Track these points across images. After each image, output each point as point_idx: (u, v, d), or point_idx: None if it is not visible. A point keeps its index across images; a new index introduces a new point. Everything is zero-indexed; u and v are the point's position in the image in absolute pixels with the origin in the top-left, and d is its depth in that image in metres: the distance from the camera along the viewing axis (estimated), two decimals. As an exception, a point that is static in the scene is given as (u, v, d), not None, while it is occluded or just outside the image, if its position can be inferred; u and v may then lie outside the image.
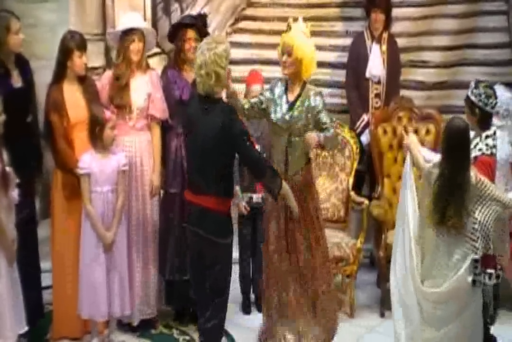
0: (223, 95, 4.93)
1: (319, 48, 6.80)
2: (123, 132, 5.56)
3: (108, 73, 5.74)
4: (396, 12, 6.79)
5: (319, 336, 5.23)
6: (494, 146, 4.89)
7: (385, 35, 6.69)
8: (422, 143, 6.29)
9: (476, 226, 4.58)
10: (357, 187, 6.57)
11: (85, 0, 6.65)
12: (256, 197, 5.92)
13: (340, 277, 6.30)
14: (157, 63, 6.38)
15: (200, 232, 4.76)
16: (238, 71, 6.34)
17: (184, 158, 5.55)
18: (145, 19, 6.38)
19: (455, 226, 4.58)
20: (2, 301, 4.65)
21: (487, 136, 4.91)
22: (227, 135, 4.64)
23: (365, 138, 6.64)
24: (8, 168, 4.66)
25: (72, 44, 5.41)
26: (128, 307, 5.47)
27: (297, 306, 5.15)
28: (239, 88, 6.00)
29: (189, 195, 4.84)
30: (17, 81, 5.37)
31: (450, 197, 4.58)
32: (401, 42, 6.83)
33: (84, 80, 5.53)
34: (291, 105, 5.08)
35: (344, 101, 6.87)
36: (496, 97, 4.95)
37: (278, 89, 5.14)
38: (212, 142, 4.66)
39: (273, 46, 5.33)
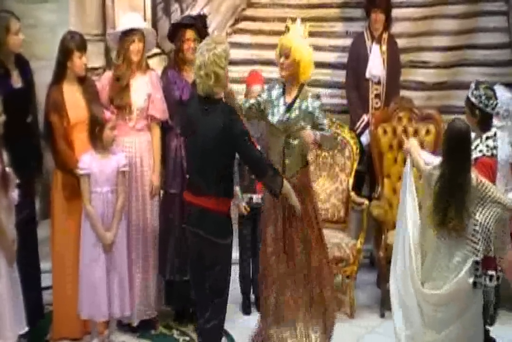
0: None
1: (319, 48, 6.83)
2: (123, 132, 5.56)
3: (108, 74, 5.74)
4: (396, 12, 6.79)
5: (318, 335, 5.22)
6: (495, 147, 4.89)
7: (385, 35, 6.69)
8: (422, 145, 6.32)
9: (477, 228, 4.57)
10: (357, 187, 6.57)
11: (85, 1, 6.65)
12: (256, 197, 5.92)
13: (340, 277, 6.30)
14: (157, 64, 6.38)
15: (200, 233, 4.76)
16: (238, 71, 6.36)
17: (184, 159, 5.55)
18: (145, 20, 6.38)
19: (456, 229, 4.58)
20: (2, 301, 4.65)
21: (487, 138, 4.91)
22: (227, 136, 4.64)
23: (365, 138, 6.64)
24: (8, 169, 4.66)
25: (72, 44, 5.41)
26: (128, 307, 5.47)
27: (295, 307, 5.15)
28: (239, 88, 6.04)
29: (189, 196, 4.84)
30: (17, 82, 5.38)
31: (450, 198, 4.57)
32: (401, 42, 6.83)
33: (84, 81, 5.53)
34: (289, 107, 5.08)
35: (344, 101, 6.87)
36: (496, 98, 4.95)
37: (276, 91, 5.15)
38: (213, 143, 4.66)
39: (273, 46, 5.32)
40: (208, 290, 4.81)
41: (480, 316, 4.75)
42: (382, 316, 6.04)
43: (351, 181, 6.40)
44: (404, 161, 5.22)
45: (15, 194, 4.74)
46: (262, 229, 5.26)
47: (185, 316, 5.91)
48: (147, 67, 5.71)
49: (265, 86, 5.33)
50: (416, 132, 6.48)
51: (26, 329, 4.89)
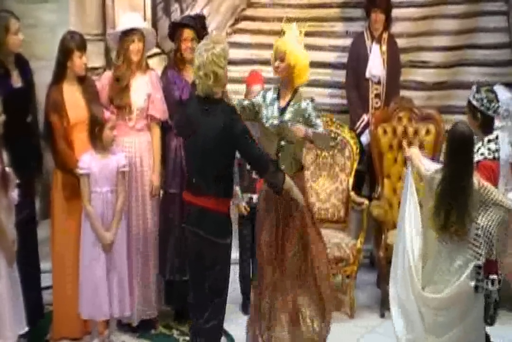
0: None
1: (319, 48, 6.85)
2: (123, 133, 5.56)
3: (108, 74, 5.74)
4: (396, 12, 6.79)
5: (317, 334, 5.20)
6: (497, 150, 4.88)
7: (385, 35, 6.69)
8: (422, 145, 6.33)
9: (479, 232, 4.56)
10: (357, 187, 6.58)
11: (85, 1, 6.65)
12: (256, 197, 5.90)
13: (340, 277, 6.30)
14: (157, 64, 6.37)
15: (200, 232, 4.76)
16: (238, 71, 6.35)
17: (184, 159, 5.55)
18: (145, 19, 6.38)
19: (458, 233, 4.57)
20: (2, 301, 4.65)
21: (489, 141, 4.90)
22: (228, 136, 4.64)
23: (365, 138, 6.64)
24: (8, 169, 4.66)
25: (72, 44, 5.41)
26: (128, 308, 5.46)
27: (293, 309, 5.13)
28: (239, 88, 6.04)
29: (188, 196, 4.84)
30: (17, 82, 5.38)
31: (452, 201, 4.56)
32: (401, 42, 6.83)
33: (84, 81, 5.53)
34: (282, 111, 5.06)
35: (344, 101, 6.86)
36: (498, 101, 4.94)
37: (270, 95, 5.12)
38: (213, 143, 4.66)
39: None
40: (207, 290, 4.81)
41: (482, 320, 4.74)
42: (382, 316, 6.04)
43: (351, 180, 6.40)
44: (404, 161, 5.21)
45: (15, 193, 4.74)
46: (256, 233, 5.23)
47: (185, 316, 5.90)
48: (147, 67, 5.71)
49: (267, 85, 5.30)
50: (416, 132, 6.48)
51: (26, 329, 4.89)
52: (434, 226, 4.65)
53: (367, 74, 6.64)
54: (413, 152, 5.01)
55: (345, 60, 6.82)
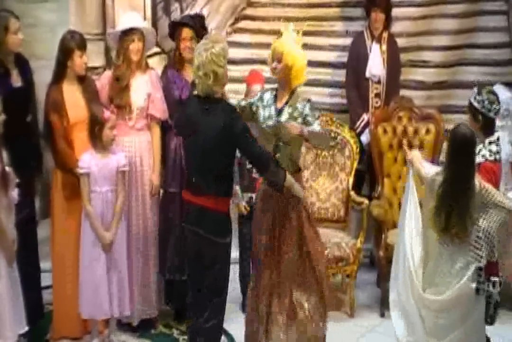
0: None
1: (319, 48, 6.85)
2: (123, 132, 5.56)
3: (108, 73, 5.74)
4: (396, 11, 6.79)
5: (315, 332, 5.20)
6: (498, 152, 4.88)
7: (385, 34, 6.69)
8: (422, 145, 6.33)
9: (480, 234, 4.55)
10: (357, 186, 6.58)
11: (85, 0, 6.65)
12: (256, 197, 5.91)
13: (340, 276, 6.31)
14: (157, 63, 6.38)
15: (199, 232, 4.76)
16: (238, 71, 6.35)
17: (183, 158, 5.55)
18: (145, 19, 6.37)
19: (459, 236, 4.57)
20: (2, 301, 4.65)
21: (490, 142, 4.90)
22: (228, 135, 4.64)
23: (365, 138, 6.64)
24: (8, 168, 4.66)
25: (72, 44, 5.41)
26: (128, 307, 5.46)
27: (289, 307, 5.12)
28: (239, 88, 6.04)
29: (188, 195, 4.84)
30: (16, 81, 5.38)
31: (454, 203, 4.56)
32: (401, 42, 6.83)
33: (83, 80, 5.53)
34: (279, 112, 5.05)
35: (344, 101, 6.87)
36: (499, 103, 4.93)
37: (268, 96, 5.11)
38: (213, 143, 4.66)
39: (273, 46, 5.32)
40: (207, 289, 4.81)
41: (483, 322, 4.74)
42: (382, 315, 6.04)
43: (351, 180, 6.40)
44: (404, 160, 5.21)
45: (15, 193, 4.73)
46: (253, 233, 5.21)
47: (185, 315, 5.90)
48: (147, 66, 5.71)
49: (267, 85, 5.29)
50: (416, 132, 6.48)
51: (26, 328, 4.89)
52: (434, 228, 4.64)
53: (367, 74, 6.64)
54: (414, 155, 5.01)
55: (345, 59, 6.82)
